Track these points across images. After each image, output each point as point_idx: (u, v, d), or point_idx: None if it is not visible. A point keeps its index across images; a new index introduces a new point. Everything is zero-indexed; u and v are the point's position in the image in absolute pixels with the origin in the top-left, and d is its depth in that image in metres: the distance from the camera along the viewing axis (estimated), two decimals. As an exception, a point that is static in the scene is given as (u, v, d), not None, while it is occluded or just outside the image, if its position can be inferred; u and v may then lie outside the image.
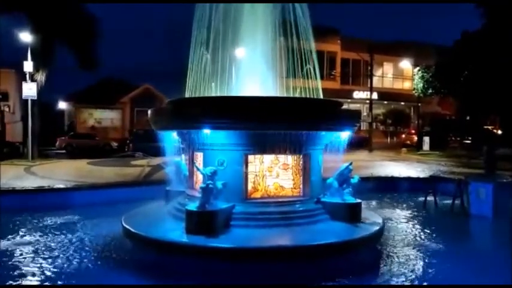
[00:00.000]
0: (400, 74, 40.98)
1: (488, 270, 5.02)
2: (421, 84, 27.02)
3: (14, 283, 4.43)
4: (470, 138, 25.00)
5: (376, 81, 39.57)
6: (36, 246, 5.76)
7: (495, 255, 5.87)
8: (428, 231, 6.81)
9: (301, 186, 5.69)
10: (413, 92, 29.21)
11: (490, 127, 31.44)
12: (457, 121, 30.98)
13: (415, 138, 29.74)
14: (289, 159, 5.69)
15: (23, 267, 4.96)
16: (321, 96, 6.52)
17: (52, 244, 5.90)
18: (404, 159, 22.02)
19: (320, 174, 5.95)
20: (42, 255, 5.40)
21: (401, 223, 7.35)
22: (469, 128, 27.15)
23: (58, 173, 13.98)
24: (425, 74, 26.74)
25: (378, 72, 41.70)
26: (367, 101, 30.97)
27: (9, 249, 5.65)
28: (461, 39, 26.63)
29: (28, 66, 18.64)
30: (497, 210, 7.76)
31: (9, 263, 5.12)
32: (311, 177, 5.70)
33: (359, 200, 5.73)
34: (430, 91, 26.70)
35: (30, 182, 11.52)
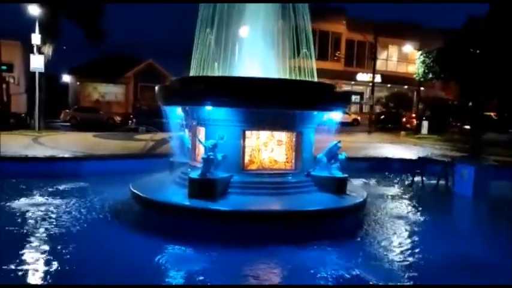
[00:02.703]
0: (405, 57, 40.94)
1: (456, 237, 5.80)
2: (422, 69, 27.26)
3: (29, 238, 5.02)
4: (469, 123, 25.36)
5: (380, 64, 39.61)
6: (49, 207, 6.35)
7: (465, 225, 6.56)
8: (410, 206, 7.44)
9: (293, 160, 6.26)
10: (415, 76, 29.46)
11: (491, 113, 31.73)
12: (458, 106, 31.27)
13: (415, 122, 30.14)
14: (283, 135, 6.24)
15: (37, 223, 5.56)
16: (316, 76, 6.97)
17: (64, 205, 6.50)
18: (401, 142, 22.52)
19: (311, 150, 6.50)
20: (55, 214, 6.01)
21: (387, 199, 7.93)
22: (469, 113, 27.46)
23: (65, 144, 14.61)
24: (426, 58, 26.93)
25: (382, 55, 41.68)
26: (370, 84, 31.23)
27: (24, 208, 6.26)
28: (466, 24, 26.67)
29: (36, 38, 18.99)
30: (478, 190, 8.32)
31: (25, 219, 5.73)
32: (303, 153, 6.26)
33: (345, 175, 6.30)
34: (430, 76, 26.95)
35: (39, 152, 12.14)
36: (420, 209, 7.26)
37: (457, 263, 4.75)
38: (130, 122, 25.60)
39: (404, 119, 33.24)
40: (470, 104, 28.99)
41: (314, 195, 6.05)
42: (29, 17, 19.68)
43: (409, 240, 5.50)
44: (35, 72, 19.87)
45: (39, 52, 19.51)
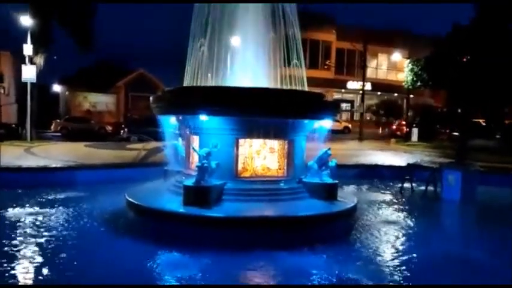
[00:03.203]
0: (394, 65, 41.65)
1: (442, 239, 6.02)
2: (411, 77, 27.80)
3: (27, 244, 5.10)
4: (457, 130, 25.87)
5: (370, 72, 40.25)
6: (45, 216, 6.45)
7: (451, 228, 6.81)
8: (399, 211, 7.64)
9: (285, 167, 6.43)
10: (404, 84, 30.00)
11: (480, 120, 32.31)
12: (446, 113, 31.81)
13: (406, 129, 30.57)
14: (275, 143, 6.41)
15: (34, 230, 5.67)
16: (306, 85, 7.17)
17: (60, 214, 6.62)
18: (392, 149, 22.84)
19: (303, 157, 6.67)
20: (51, 222, 6.13)
21: (377, 204, 8.12)
22: (457, 120, 27.97)
23: (58, 154, 14.59)
24: (414, 67, 27.48)
25: (372, 63, 42.36)
26: (361, 92, 31.68)
27: (21, 217, 6.35)
28: (452, 32, 27.29)
29: (27, 49, 19.03)
30: (465, 195, 8.56)
31: (22, 227, 5.84)
32: (294, 160, 6.43)
33: (336, 181, 6.48)
34: (418, 84, 27.49)
35: (32, 162, 12.14)
36: (409, 214, 7.47)
37: (444, 263, 4.93)
38: (122, 131, 25.60)
39: (394, 127, 33.70)
40: (459, 111, 29.57)
41: (306, 201, 6.21)
42: (19, 27, 19.72)
43: (397, 243, 5.69)
44: (25, 82, 19.86)
45: (31, 62, 19.52)
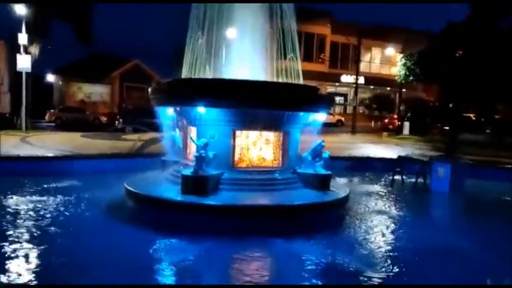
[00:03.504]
0: (388, 60, 41.93)
1: (430, 228, 6.32)
2: (404, 71, 28.13)
3: (26, 231, 5.26)
4: (448, 124, 26.33)
5: (363, 66, 40.52)
6: (45, 204, 6.57)
7: (439, 218, 7.13)
8: (389, 202, 7.90)
9: (280, 158, 6.65)
10: (397, 78, 30.34)
11: (470, 115, 32.77)
12: (438, 107, 32.24)
13: (398, 122, 30.97)
14: (271, 135, 6.62)
15: (36, 218, 5.83)
16: (301, 78, 7.37)
17: (60, 202, 6.76)
18: (383, 142, 23.22)
19: (297, 149, 6.89)
20: (51, 210, 6.27)
21: (368, 195, 8.37)
22: (448, 114, 28.39)
23: (54, 144, 14.71)
24: (407, 61, 27.81)
25: (366, 57, 42.61)
26: (354, 85, 31.94)
27: (21, 205, 6.49)
28: (445, 28, 27.59)
29: (23, 38, 18.96)
30: (454, 187, 8.86)
31: (22, 214, 5.99)
32: (289, 152, 6.65)
33: (329, 172, 6.71)
34: (411, 78, 27.84)
35: (29, 151, 12.28)
36: (398, 204, 7.74)
37: (430, 249, 5.21)
38: (116, 122, 25.64)
39: (386, 120, 34.09)
40: (451, 105, 29.97)
41: (300, 191, 6.43)
42: (13, 15, 19.57)
43: (387, 231, 5.95)
44: (19, 72, 19.80)
45: (26, 52, 19.46)
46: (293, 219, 5.76)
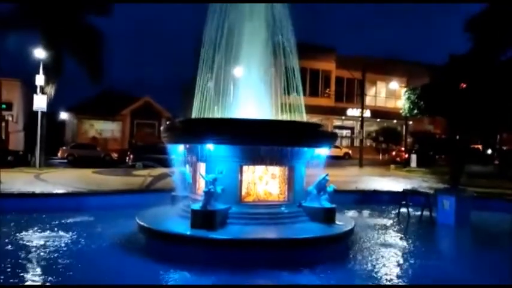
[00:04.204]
0: (393, 93, 42.56)
1: (434, 260, 6.42)
2: (408, 105, 28.59)
3: (42, 263, 5.50)
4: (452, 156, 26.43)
5: (369, 100, 41.15)
6: (61, 238, 6.84)
7: (444, 251, 7.18)
8: (396, 235, 8.02)
9: (286, 192, 6.88)
10: (401, 112, 30.76)
11: (479, 146, 32.79)
12: (445, 140, 32.38)
13: (405, 155, 31.08)
14: (276, 170, 6.89)
15: (54, 252, 6.08)
16: (304, 113, 7.72)
17: (74, 237, 7.02)
18: (391, 175, 23.26)
19: (302, 183, 7.13)
20: (68, 244, 6.53)
21: (373, 228, 8.49)
22: (455, 146, 28.51)
23: (67, 180, 15.09)
24: (411, 95, 28.31)
25: (371, 90, 43.32)
26: (360, 119, 32.38)
27: (37, 240, 6.74)
28: (448, 62, 28.23)
29: (40, 79, 19.86)
30: (459, 219, 8.93)
31: (37, 248, 6.25)
32: (294, 186, 6.89)
33: (334, 205, 6.90)
34: (415, 111, 28.25)
35: (43, 188, 12.63)
36: (404, 237, 7.86)
37: (434, 280, 5.32)
38: (127, 158, 26.14)
39: (393, 153, 34.20)
40: (458, 137, 30.13)
41: (305, 224, 6.62)
42: (30, 56, 20.60)
43: (392, 264, 6.07)
44: (33, 110, 20.61)
45: (42, 92, 20.34)
46: (299, 252, 5.91)
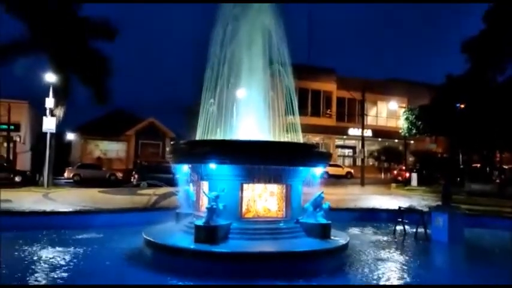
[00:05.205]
0: (394, 113, 43.09)
1: (426, 274, 6.75)
2: (407, 125, 29.10)
3: (54, 277, 5.92)
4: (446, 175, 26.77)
5: (370, 120, 41.72)
6: (72, 254, 7.28)
7: (435, 265, 7.52)
8: (391, 250, 8.38)
9: (284, 209, 7.33)
10: (400, 131, 31.28)
11: (478, 165, 33.05)
12: (445, 159, 32.72)
13: (406, 174, 31.38)
14: (275, 188, 7.36)
15: (63, 266, 6.51)
16: (300, 132, 8.22)
17: (85, 252, 7.46)
18: (391, 193, 23.53)
19: (299, 200, 7.58)
20: (78, 259, 6.97)
21: (369, 244, 8.85)
22: (455, 165, 28.84)
23: (74, 199, 15.53)
24: (409, 115, 28.86)
25: (372, 110, 43.92)
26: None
27: (51, 255, 7.16)
28: (445, 83, 28.91)
29: (49, 102, 20.60)
30: (452, 236, 9.26)
31: (51, 264, 6.65)
32: (292, 203, 7.34)
33: (329, 221, 7.32)
34: (414, 131, 28.73)
35: (52, 206, 13.06)
36: (398, 252, 8.22)
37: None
38: (132, 178, 26.61)
39: (395, 172, 34.50)
40: (460, 156, 30.51)
41: (302, 239, 7.03)
42: (36, 79, 21.38)
43: (385, 276, 6.43)
44: (40, 131, 21.28)
45: (52, 114, 21.03)
46: (297, 266, 6.31)
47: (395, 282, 6.23)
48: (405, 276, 6.54)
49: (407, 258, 7.83)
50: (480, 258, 8.14)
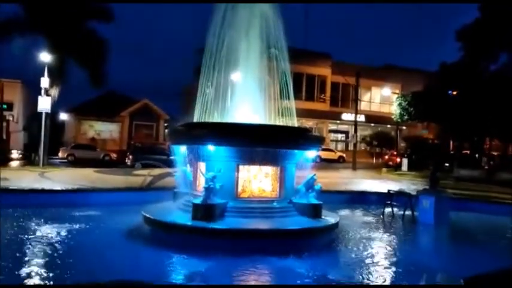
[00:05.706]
0: (387, 98, 43.43)
1: (408, 250, 7.25)
2: (399, 111, 29.51)
3: (55, 250, 6.23)
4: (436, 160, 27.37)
5: (364, 105, 42.04)
6: (72, 230, 7.55)
7: (419, 244, 7.97)
8: (379, 230, 8.80)
9: (278, 190, 7.65)
10: (393, 117, 31.70)
11: (468, 151, 33.71)
12: (436, 145, 33.33)
13: (397, 159, 31.96)
14: (269, 169, 7.66)
15: (65, 240, 6.81)
16: (295, 116, 8.49)
17: (85, 227, 7.76)
18: (382, 177, 24.06)
19: (293, 181, 7.90)
20: (78, 234, 7.27)
21: (360, 224, 9.25)
22: (445, 151, 29.44)
23: (71, 179, 15.78)
24: (402, 101, 29.23)
25: (366, 95, 44.22)
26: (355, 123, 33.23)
27: (53, 230, 7.44)
28: (438, 70, 29.21)
29: (44, 82, 20.57)
30: (438, 218, 9.70)
31: (54, 238, 6.95)
32: (285, 184, 7.66)
33: (320, 202, 7.68)
34: (406, 117, 29.16)
35: (49, 185, 13.31)
36: (385, 232, 8.64)
37: (407, 266, 6.15)
38: (126, 159, 26.83)
39: (386, 157, 35.08)
40: (451, 142, 31.06)
41: (295, 218, 7.38)
42: (30, 58, 21.26)
43: (372, 253, 6.84)
44: (33, 111, 21.32)
45: (47, 94, 21.03)
46: (288, 242, 6.67)
47: (382, 257, 6.63)
48: (391, 252, 6.95)
49: (394, 237, 8.25)
50: (463, 239, 8.58)
